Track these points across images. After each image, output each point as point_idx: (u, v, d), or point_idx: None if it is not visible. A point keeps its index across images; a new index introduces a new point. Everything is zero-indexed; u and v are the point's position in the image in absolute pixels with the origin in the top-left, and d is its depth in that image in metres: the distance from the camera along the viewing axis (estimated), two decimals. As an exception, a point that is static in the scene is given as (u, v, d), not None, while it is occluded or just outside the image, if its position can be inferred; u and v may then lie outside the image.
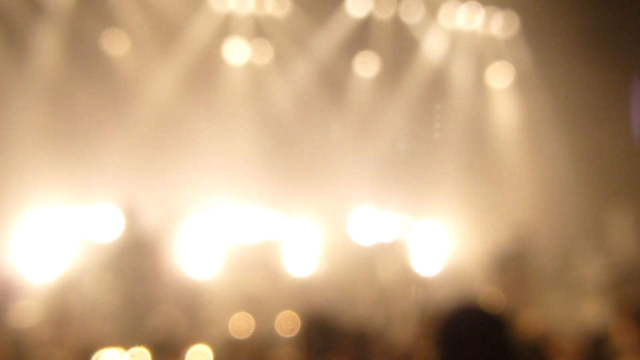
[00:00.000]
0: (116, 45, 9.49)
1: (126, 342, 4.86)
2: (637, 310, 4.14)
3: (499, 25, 11.20)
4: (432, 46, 11.03)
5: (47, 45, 8.96)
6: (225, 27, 9.98)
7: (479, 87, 11.37)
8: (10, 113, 8.71)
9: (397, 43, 10.73)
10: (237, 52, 10.25)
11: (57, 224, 8.46)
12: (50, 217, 8.50)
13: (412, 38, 10.89)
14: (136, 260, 6.06)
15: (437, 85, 11.12)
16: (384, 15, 10.73)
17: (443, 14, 10.98)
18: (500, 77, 11.44)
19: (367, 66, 10.94)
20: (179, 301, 6.47)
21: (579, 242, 8.19)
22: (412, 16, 10.86)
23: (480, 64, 11.31)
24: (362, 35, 10.67)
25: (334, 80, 10.69)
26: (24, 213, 8.47)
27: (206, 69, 9.98)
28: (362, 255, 9.50)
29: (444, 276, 9.29)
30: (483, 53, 11.28)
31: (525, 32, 10.97)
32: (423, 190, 10.70)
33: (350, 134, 10.89)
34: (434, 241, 10.99)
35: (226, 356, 3.01)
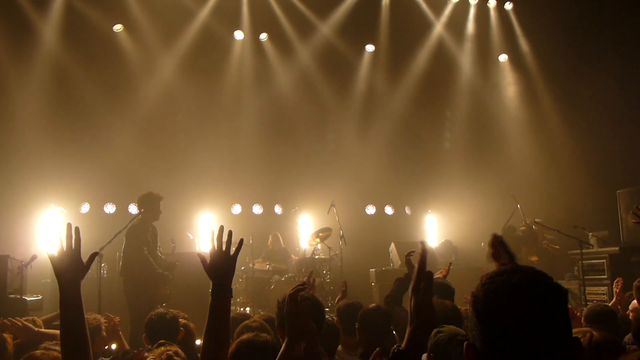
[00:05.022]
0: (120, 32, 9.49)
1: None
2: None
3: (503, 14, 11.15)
4: (438, 32, 10.97)
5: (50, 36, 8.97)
6: (227, 12, 9.92)
7: (485, 74, 11.29)
8: (15, 105, 8.73)
9: (401, 29, 10.65)
10: (240, 36, 10.21)
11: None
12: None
13: (416, 25, 10.83)
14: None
15: (443, 71, 11.06)
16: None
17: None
18: (506, 63, 11.38)
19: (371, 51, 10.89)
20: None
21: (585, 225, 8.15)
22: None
23: (486, 49, 11.23)
24: (367, 19, 10.60)
25: (337, 64, 10.61)
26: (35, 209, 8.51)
27: (209, 53, 9.93)
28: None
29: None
30: (489, 39, 11.20)
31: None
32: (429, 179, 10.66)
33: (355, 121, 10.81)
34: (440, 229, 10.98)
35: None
